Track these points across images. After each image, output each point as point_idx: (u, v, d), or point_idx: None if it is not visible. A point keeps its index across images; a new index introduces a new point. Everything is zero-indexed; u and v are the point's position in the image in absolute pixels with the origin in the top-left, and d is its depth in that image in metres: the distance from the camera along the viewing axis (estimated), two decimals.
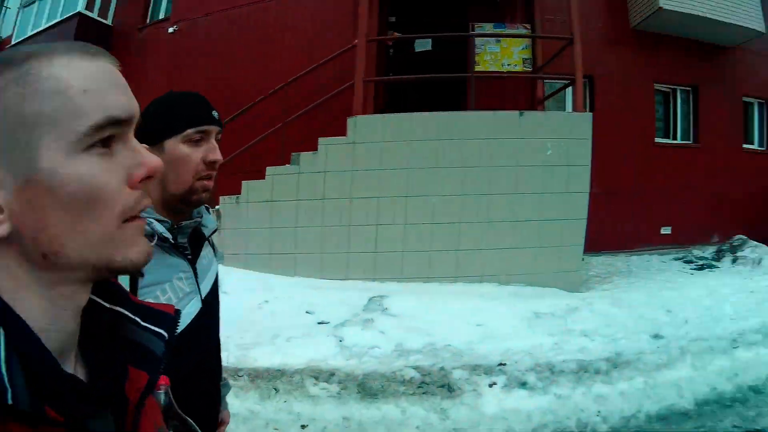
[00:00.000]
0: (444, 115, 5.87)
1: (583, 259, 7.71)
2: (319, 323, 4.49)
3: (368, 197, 5.81)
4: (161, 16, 9.50)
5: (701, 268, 8.17)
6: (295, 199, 5.91)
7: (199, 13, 8.70)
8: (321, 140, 5.94)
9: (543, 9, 7.33)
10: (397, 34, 7.25)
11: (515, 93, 7.18)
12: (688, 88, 9.74)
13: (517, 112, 5.85)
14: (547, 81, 7.36)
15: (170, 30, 8.89)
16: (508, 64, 6.52)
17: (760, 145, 10.77)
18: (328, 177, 5.87)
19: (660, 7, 8.19)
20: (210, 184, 1.13)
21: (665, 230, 9.20)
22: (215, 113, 1.13)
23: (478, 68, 6.40)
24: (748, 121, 10.80)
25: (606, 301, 5.55)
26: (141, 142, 1.11)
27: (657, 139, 9.39)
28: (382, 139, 5.85)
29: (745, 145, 10.42)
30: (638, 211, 8.94)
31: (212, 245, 1.30)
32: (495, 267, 5.81)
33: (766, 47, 10.21)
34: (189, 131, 1.09)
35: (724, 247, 8.86)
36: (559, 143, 5.84)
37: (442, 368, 3.73)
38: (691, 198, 9.42)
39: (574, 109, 6.07)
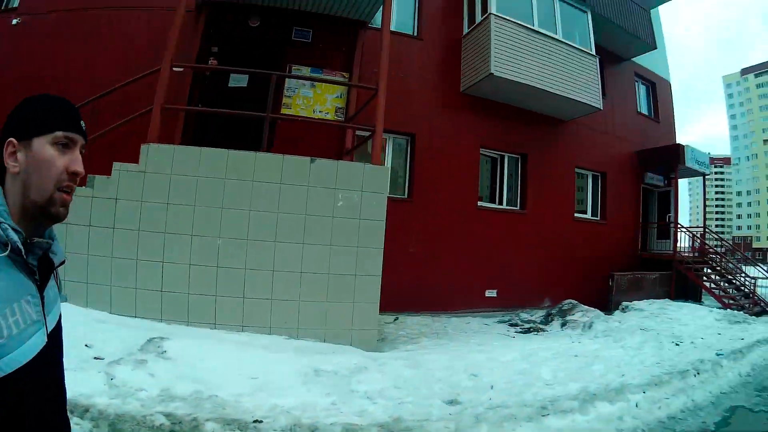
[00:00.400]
0: (234, 153, 5.51)
1: (396, 319, 7.46)
2: (94, 358, 4.26)
3: (155, 231, 5.37)
4: (16, 4, 8.94)
5: (527, 331, 8.07)
6: (87, 224, 5.37)
7: (43, 9, 8.30)
8: (115, 165, 5.49)
9: (367, 61, 7.32)
10: (215, 62, 6.88)
11: (329, 141, 6.95)
12: (517, 156, 10.15)
13: (308, 159, 5.57)
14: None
15: (13, 22, 8.48)
16: (320, 111, 6.34)
17: (593, 214, 11.44)
18: (119, 205, 5.39)
19: (491, 73, 8.52)
20: (69, 198, 1.07)
21: (490, 293, 9.25)
22: (83, 124, 1.10)
23: (288, 111, 6.14)
24: (586, 191, 11.50)
25: (402, 363, 5.24)
26: (10, 135, 1.06)
27: (480, 203, 9.55)
28: (172, 171, 5.45)
29: (577, 214, 10.98)
30: (462, 272, 8.94)
31: (57, 281, 1.18)
32: (284, 319, 5.46)
33: (601, 123, 11.05)
34: (59, 133, 1.05)
35: (554, 311, 8.98)
36: (353, 195, 5.65)
37: (194, 419, 3.46)
38: (519, 262, 9.62)
39: (373, 162, 5.91)
